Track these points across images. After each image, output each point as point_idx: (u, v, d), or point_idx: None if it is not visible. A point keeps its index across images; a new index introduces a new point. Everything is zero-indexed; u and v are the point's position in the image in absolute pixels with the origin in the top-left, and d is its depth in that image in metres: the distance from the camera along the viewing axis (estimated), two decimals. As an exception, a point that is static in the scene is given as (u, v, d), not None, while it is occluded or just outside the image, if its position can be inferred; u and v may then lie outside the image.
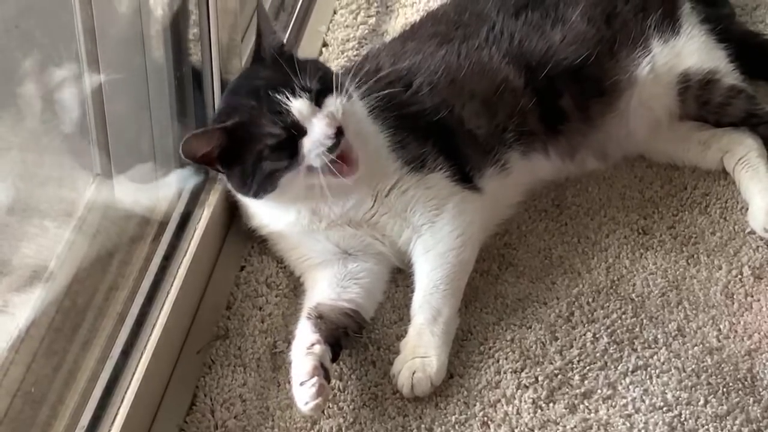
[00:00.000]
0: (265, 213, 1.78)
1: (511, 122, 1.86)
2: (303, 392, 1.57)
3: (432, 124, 1.81)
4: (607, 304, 1.78)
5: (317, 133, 1.62)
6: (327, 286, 1.74)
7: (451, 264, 1.73)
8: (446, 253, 1.74)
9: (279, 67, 1.66)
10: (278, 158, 1.64)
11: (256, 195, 1.69)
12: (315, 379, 1.57)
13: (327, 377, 1.59)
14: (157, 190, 1.85)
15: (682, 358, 1.70)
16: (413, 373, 1.63)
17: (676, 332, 1.74)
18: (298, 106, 1.62)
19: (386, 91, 1.77)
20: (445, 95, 1.85)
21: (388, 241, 1.77)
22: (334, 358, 1.65)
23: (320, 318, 1.67)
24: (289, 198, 1.70)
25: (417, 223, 1.75)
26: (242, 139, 1.64)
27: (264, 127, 1.63)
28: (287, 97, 1.62)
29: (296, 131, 1.62)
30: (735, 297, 1.81)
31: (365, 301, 1.74)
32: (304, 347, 1.62)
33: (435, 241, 1.75)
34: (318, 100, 1.64)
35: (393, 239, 1.77)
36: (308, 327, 1.66)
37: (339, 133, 1.62)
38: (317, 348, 1.61)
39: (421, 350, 1.66)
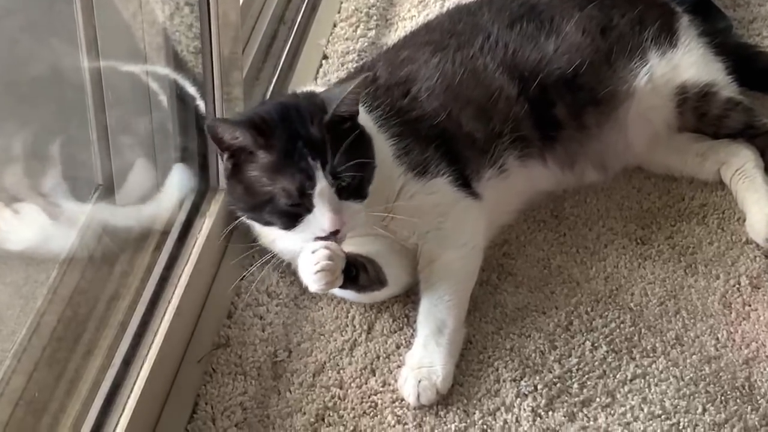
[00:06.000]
0: (279, 236, 1.77)
1: (506, 127, 1.88)
2: (315, 256, 1.60)
3: (432, 129, 1.82)
4: (606, 313, 1.79)
5: (319, 225, 1.63)
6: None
7: (455, 274, 1.74)
8: (451, 263, 1.75)
9: (327, 134, 1.63)
10: (277, 214, 1.65)
11: (247, 217, 1.72)
12: (328, 251, 1.60)
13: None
14: (158, 199, 1.86)
15: (680, 367, 1.71)
16: (419, 382, 1.64)
17: (674, 341, 1.75)
18: (324, 193, 1.62)
19: (388, 100, 1.79)
20: (442, 100, 1.86)
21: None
22: (348, 277, 1.67)
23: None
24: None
25: (422, 229, 1.77)
26: (265, 158, 1.64)
27: (286, 177, 1.62)
28: (318, 172, 1.61)
29: (307, 204, 1.63)
30: (733, 306, 1.82)
31: (386, 266, 1.74)
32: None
33: (440, 250, 1.76)
34: (341, 193, 1.63)
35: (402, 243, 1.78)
36: None
37: (336, 232, 1.64)
38: (333, 245, 1.63)
39: (426, 360, 1.67)
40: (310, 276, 1.63)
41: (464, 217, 1.79)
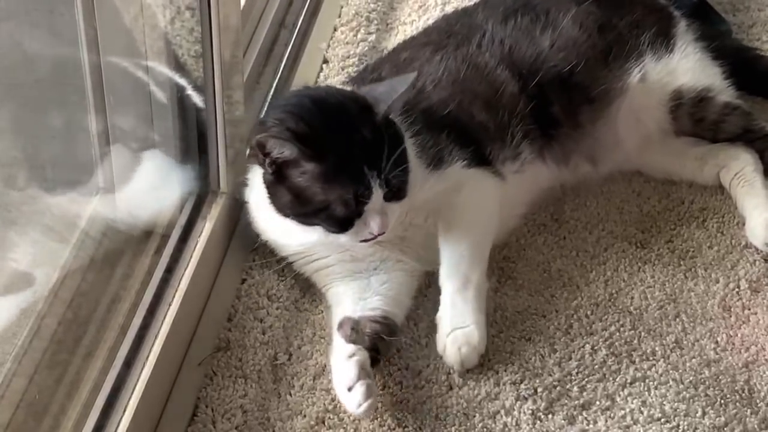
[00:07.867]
0: (288, 231, 1.76)
1: (513, 122, 1.88)
2: (353, 396, 1.58)
3: (442, 117, 1.82)
4: (606, 316, 1.80)
5: (367, 229, 1.64)
6: (350, 303, 1.74)
7: (473, 233, 1.74)
8: (468, 225, 1.75)
9: (380, 139, 1.62)
10: (329, 221, 1.65)
11: (294, 220, 1.70)
12: (362, 381, 1.58)
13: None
14: (159, 200, 1.86)
15: (680, 370, 1.71)
16: (459, 348, 1.65)
17: (674, 344, 1.75)
18: (376, 200, 1.62)
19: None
20: (450, 91, 1.86)
21: (410, 244, 1.78)
22: (374, 363, 1.66)
23: (353, 329, 1.68)
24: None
25: (436, 207, 1.76)
26: (315, 168, 1.62)
27: (342, 187, 1.61)
28: (373, 181, 1.61)
29: (359, 209, 1.63)
30: (732, 310, 1.82)
31: (392, 307, 1.74)
32: (344, 356, 1.63)
33: (455, 216, 1.75)
34: (385, 196, 1.64)
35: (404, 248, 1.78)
36: (342, 340, 1.67)
37: (382, 233, 1.65)
38: (358, 354, 1.62)
39: (458, 320, 1.67)
40: (355, 410, 1.60)
41: (478, 185, 1.79)
